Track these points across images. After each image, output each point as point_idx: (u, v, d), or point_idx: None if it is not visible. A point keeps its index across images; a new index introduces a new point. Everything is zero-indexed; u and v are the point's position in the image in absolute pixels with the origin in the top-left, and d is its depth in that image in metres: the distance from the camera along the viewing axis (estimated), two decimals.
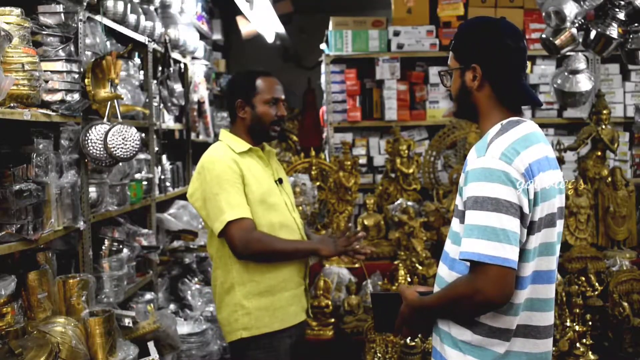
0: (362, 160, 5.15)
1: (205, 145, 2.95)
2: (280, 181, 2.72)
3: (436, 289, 1.90)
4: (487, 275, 1.64)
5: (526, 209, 1.68)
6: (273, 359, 2.59)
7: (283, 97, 2.70)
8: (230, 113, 2.76)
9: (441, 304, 1.81)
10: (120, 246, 3.35)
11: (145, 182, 3.91)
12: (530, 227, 1.71)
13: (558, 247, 1.84)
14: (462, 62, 1.88)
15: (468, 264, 1.72)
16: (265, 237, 2.53)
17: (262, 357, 2.57)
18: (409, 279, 3.53)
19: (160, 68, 4.40)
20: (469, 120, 2.07)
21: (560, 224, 1.84)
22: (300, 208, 4.02)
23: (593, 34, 3.58)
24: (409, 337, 2.93)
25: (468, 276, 1.71)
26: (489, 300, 1.67)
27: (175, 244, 4.45)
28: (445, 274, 1.86)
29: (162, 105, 4.46)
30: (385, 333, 3.03)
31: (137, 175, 3.82)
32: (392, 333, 2.89)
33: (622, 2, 3.49)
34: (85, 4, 2.96)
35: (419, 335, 2.95)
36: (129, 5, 3.54)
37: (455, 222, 1.85)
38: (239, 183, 2.53)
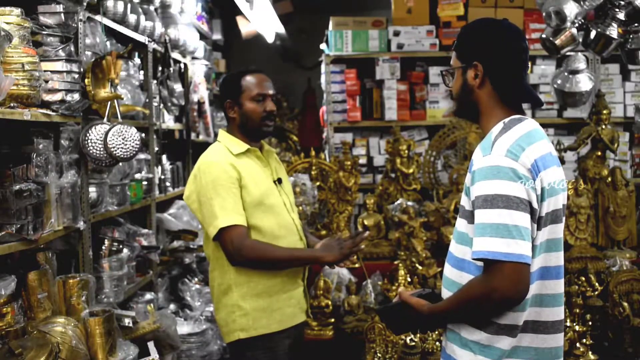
0: (362, 160, 5.15)
1: (205, 145, 2.94)
2: (279, 181, 2.71)
3: (444, 291, 1.90)
4: (503, 273, 1.64)
5: (535, 204, 1.70)
6: None
7: (271, 92, 2.67)
8: (224, 114, 2.76)
9: (456, 307, 1.80)
10: (120, 246, 3.35)
11: (145, 182, 3.91)
12: (538, 222, 1.73)
13: (562, 243, 1.85)
14: (463, 60, 1.90)
15: (479, 263, 1.72)
16: (259, 245, 2.51)
17: (260, 358, 2.57)
18: (409, 279, 3.53)
19: (160, 68, 4.40)
20: (469, 120, 2.09)
21: (563, 220, 1.85)
22: (300, 208, 4.02)
23: (593, 34, 3.58)
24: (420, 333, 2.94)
25: (483, 276, 1.71)
26: (507, 298, 1.67)
27: (175, 244, 4.45)
28: (453, 274, 1.85)
29: (162, 105, 4.46)
30: (386, 331, 3.03)
31: (137, 175, 3.82)
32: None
33: (622, 2, 3.49)
34: (85, 4, 2.96)
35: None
36: (129, 5, 3.54)
37: (461, 222, 1.85)
38: (235, 187, 2.51)
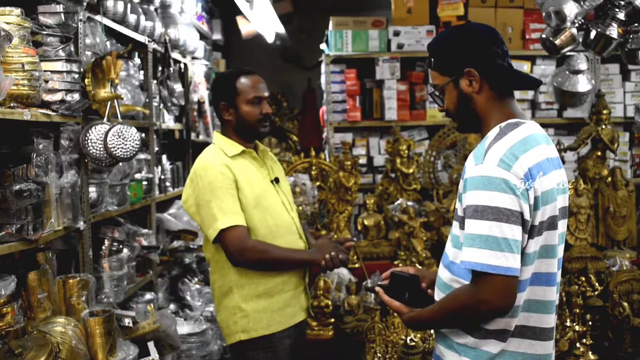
0: (362, 160, 5.15)
1: (205, 145, 2.94)
2: (276, 180, 2.71)
3: (437, 291, 1.89)
4: (491, 286, 1.64)
5: (527, 215, 1.67)
6: None
7: (266, 94, 2.65)
8: (217, 115, 2.73)
9: (442, 316, 1.80)
10: (120, 246, 3.35)
11: (145, 182, 3.91)
12: (531, 231, 1.70)
13: (561, 249, 1.82)
14: (451, 73, 1.85)
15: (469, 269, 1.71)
16: (260, 245, 2.51)
17: (261, 358, 2.57)
18: None
19: (160, 68, 4.40)
20: (474, 132, 2.05)
21: (562, 224, 1.82)
22: (300, 208, 4.02)
23: (593, 34, 3.58)
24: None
25: (470, 287, 1.70)
26: (494, 310, 1.68)
27: (175, 244, 4.45)
28: (446, 277, 1.85)
29: (162, 105, 4.46)
30: (386, 331, 3.03)
31: (137, 175, 3.82)
32: None
33: (622, 2, 3.49)
34: (85, 4, 2.96)
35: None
36: (129, 5, 3.54)
37: (455, 225, 1.84)
38: (232, 189, 2.51)
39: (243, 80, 2.62)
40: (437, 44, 1.90)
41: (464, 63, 1.82)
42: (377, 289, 1.97)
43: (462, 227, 1.75)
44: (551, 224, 1.75)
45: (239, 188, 2.53)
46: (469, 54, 1.82)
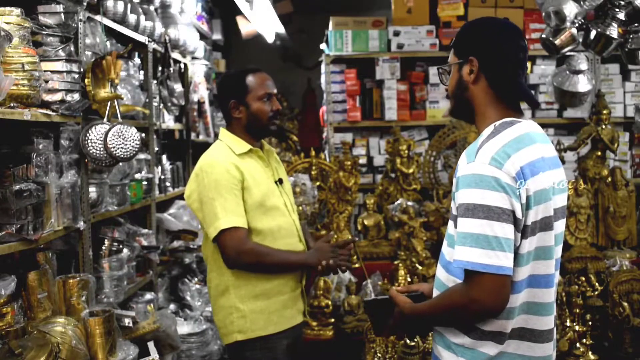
0: (362, 160, 5.15)
1: (205, 145, 2.94)
2: (280, 181, 2.71)
3: (435, 291, 1.89)
4: (482, 284, 1.63)
5: (519, 214, 1.66)
6: None
7: (275, 91, 2.67)
8: (224, 114, 2.72)
9: (435, 312, 1.80)
10: (120, 246, 3.35)
11: (145, 182, 3.91)
12: (524, 231, 1.69)
13: (558, 250, 1.81)
14: (460, 56, 1.87)
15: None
16: (258, 249, 2.50)
17: (259, 358, 2.56)
18: (409, 279, 3.53)
19: (160, 68, 4.40)
20: (464, 120, 2.06)
21: (560, 225, 1.80)
22: (300, 208, 4.02)
23: (593, 34, 3.57)
24: (406, 338, 2.93)
25: (462, 285, 1.69)
26: (485, 309, 1.66)
27: (175, 244, 4.45)
28: (443, 276, 1.84)
29: (162, 105, 4.46)
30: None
31: (137, 175, 3.82)
32: (385, 336, 2.88)
33: (622, 2, 3.49)
34: (85, 4, 2.96)
35: (417, 336, 2.95)
36: (129, 5, 3.54)
37: (450, 224, 1.83)
38: (237, 189, 2.50)
39: (252, 78, 2.63)
40: (464, 26, 1.94)
41: (470, 51, 1.83)
42: (391, 287, 1.98)
43: (456, 225, 1.74)
44: (547, 224, 1.73)
45: (245, 187, 2.52)
46: (476, 44, 1.83)
